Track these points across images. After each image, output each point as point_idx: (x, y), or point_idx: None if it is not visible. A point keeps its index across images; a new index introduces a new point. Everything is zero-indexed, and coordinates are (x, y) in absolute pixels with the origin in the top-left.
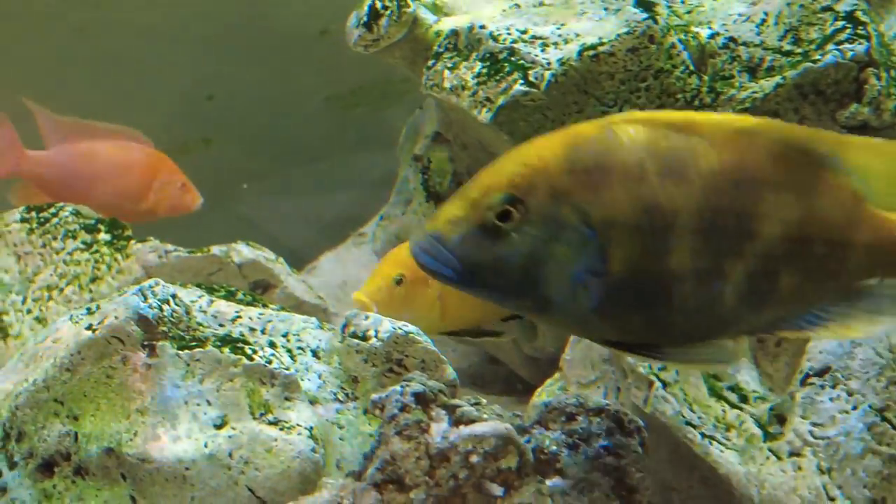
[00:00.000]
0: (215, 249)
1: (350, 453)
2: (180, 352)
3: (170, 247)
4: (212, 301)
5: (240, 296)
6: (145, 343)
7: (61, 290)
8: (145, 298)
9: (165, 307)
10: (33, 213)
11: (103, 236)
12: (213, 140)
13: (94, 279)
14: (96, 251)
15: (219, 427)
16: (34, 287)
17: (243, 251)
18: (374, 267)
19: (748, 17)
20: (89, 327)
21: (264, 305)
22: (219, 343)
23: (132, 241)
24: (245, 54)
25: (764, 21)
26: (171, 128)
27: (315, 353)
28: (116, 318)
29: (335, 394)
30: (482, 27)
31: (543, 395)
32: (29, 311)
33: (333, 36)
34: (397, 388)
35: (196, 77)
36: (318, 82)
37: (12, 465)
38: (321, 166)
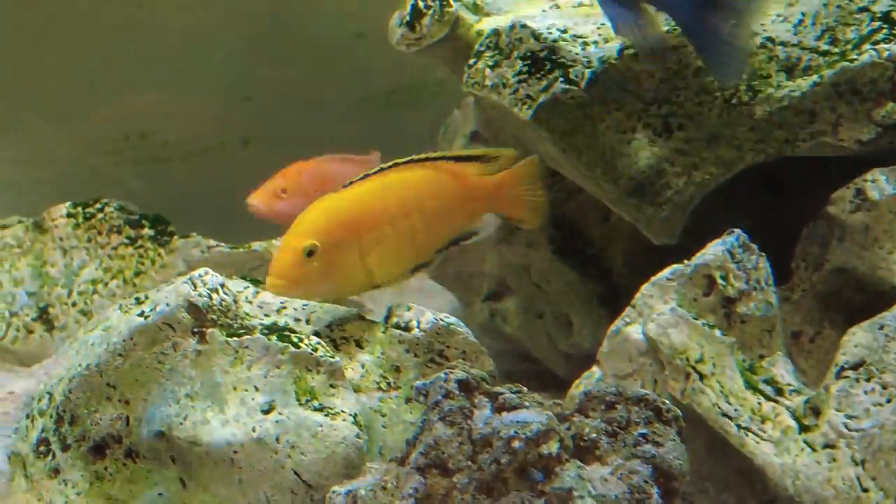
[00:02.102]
0: (256, 245)
1: (392, 440)
2: (229, 339)
3: (212, 242)
4: (257, 292)
5: None
6: (195, 330)
7: (106, 283)
8: (195, 287)
9: (215, 296)
10: (79, 209)
11: (147, 231)
12: (251, 140)
13: (137, 273)
14: (140, 246)
15: (266, 412)
16: (79, 281)
17: None
18: (281, 242)
19: (785, 17)
20: (141, 314)
21: None
22: (266, 331)
23: (175, 237)
24: (281, 56)
25: (801, 21)
26: (209, 128)
27: (358, 343)
28: (168, 305)
29: (377, 383)
30: (523, 26)
31: (581, 386)
32: (74, 305)
33: (368, 39)
34: (441, 375)
35: (233, 78)
36: (352, 84)
37: (65, 448)
38: None
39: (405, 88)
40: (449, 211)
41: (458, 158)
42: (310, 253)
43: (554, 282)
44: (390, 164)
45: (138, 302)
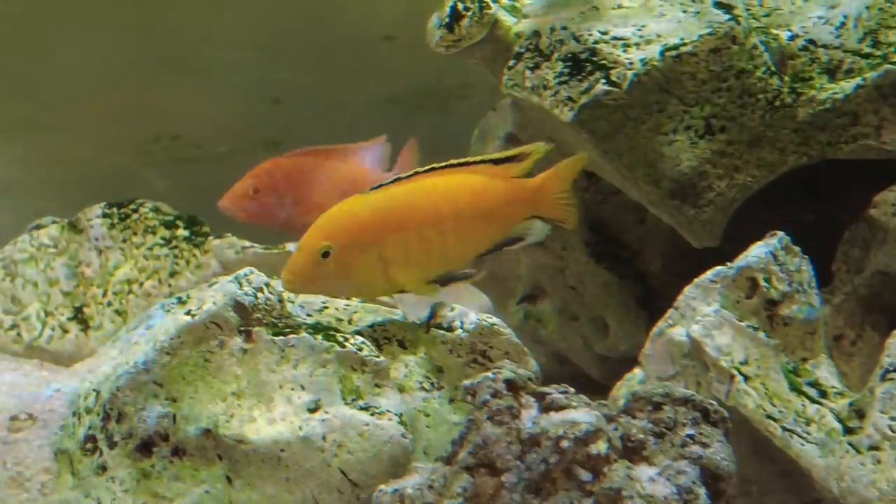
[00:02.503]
0: (290, 246)
1: (436, 440)
2: (275, 338)
3: (246, 243)
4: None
5: None
6: (241, 329)
7: (141, 283)
8: (241, 286)
9: (260, 295)
10: (114, 209)
11: (182, 232)
12: (280, 143)
13: (172, 273)
14: (175, 247)
15: (312, 411)
16: (114, 281)
17: None
18: (300, 240)
19: (827, 19)
20: (188, 313)
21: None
22: (311, 330)
23: (210, 238)
24: (310, 59)
25: (843, 24)
26: (238, 131)
27: (401, 344)
28: (215, 304)
29: (421, 383)
30: (564, 28)
31: (623, 388)
32: (109, 304)
33: (396, 41)
34: (489, 374)
35: (263, 81)
36: (379, 86)
37: (112, 445)
38: None
39: (432, 91)
40: (489, 217)
41: (496, 161)
42: (325, 254)
43: (590, 284)
44: (426, 168)
45: (180, 301)
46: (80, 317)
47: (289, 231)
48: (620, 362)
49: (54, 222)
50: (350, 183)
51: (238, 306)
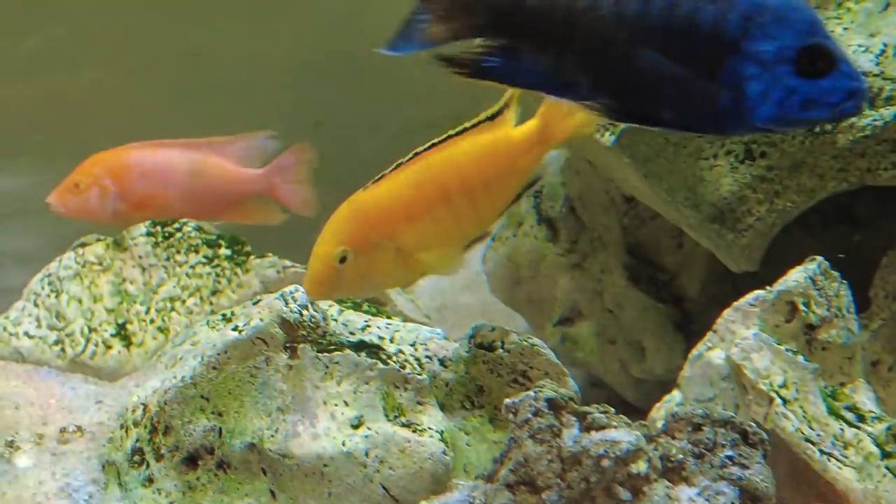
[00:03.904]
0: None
1: (476, 459)
2: (320, 354)
3: (287, 263)
4: (342, 310)
5: (365, 307)
6: (287, 345)
7: (183, 301)
8: (287, 303)
9: (305, 312)
10: (158, 228)
11: (224, 251)
12: (320, 165)
13: (214, 292)
14: (217, 265)
15: (355, 427)
16: (157, 298)
17: None
18: (314, 249)
19: (867, 48)
20: (235, 329)
21: (388, 317)
22: (355, 348)
23: (251, 257)
24: (351, 82)
25: (883, 52)
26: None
27: (442, 362)
28: (261, 320)
29: (461, 402)
30: None
31: (661, 410)
32: (152, 321)
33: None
34: (531, 393)
35: (304, 104)
36: (419, 110)
37: (159, 458)
38: None
39: (469, 116)
40: (500, 178)
41: (491, 117)
42: (342, 259)
43: (627, 308)
44: (426, 145)
45: (225, 318)
46: (123, 333)
47: (122, 224)
48: (656, 385)
49: (98, 240)
50: (193, 175)
51: (284, 323)
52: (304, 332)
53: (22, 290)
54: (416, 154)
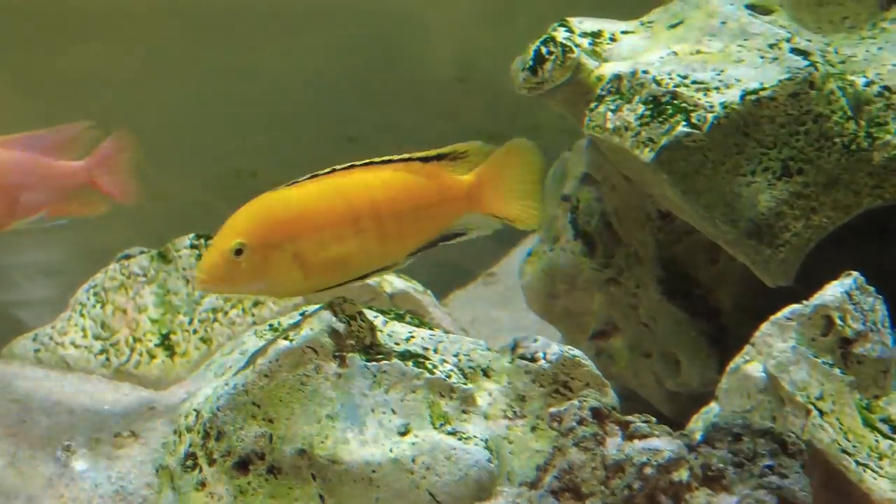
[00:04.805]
0: (370, 280)
1: (518, 467)
2: (368, 363)
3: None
4: (386, 321)
5: (408, 319)
6: (336, 354)
7: (226, 312)
8: (336, 314)
9: (353, 323)
10: (202, 240)
11: None
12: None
13: (256, 304)
14: None
15: (402, 434)
16: (200, 309)
17: (395, 282)
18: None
19: None
20: (286, 337)
21: (430, 328)
22: (401, 357)
23: None
24: (385, 99)
25: None
26: (314, 168)
27: (485, 373)
28: (312, 329)
29: (504, 411)
30: (645, 72)
31: (699, 421)
32: (195, 332)
33: (469, 83)
34: (575, 402)
35: (340, 120)
36: (453, 127)
37: (211, 462)
38: None
39: (502, 132)
40: (416, 214)
41: (424, 159)
42: (237, 252)
43: (662, 322)
44: (346, 164)
45: (273, 328)
46: (166, 343)
47: None
48: (690, 399)
49: (142, 252)
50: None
51: (333, 333)
52: (352, 342)
53: (48, 302)
54: (335, 170)
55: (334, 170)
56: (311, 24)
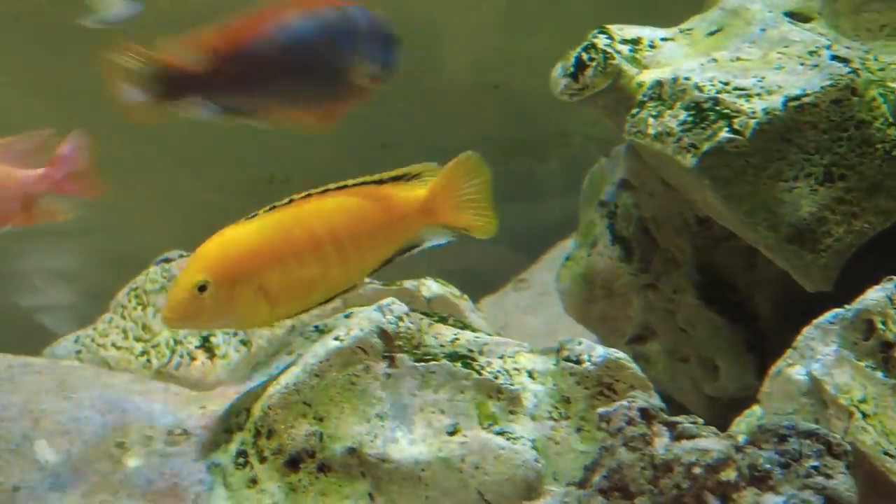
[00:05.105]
0: (407, 284)
1: (564, 468)
2: (417, 364)
3: (366, 279)
4: (431, 323)
5: (451, 322)
6: (385, 354)
7: None
8: (385, 314)
9: (401, 323)
10: None
11: None
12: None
13: None
14: None
15: (451, 434)
16: None
17: (432, 287)
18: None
19: None
20: (336, 338)
21: (474, 330)
22: (449, 358)
23: None
24: (418, 105)
25: None
26: (347, 174)
27: (530, 375)
28: (361, 330)
29: (549, 412)
30: (687, 78)
31: (742, 424)
32: (235, 334)
33: (502, 90)
34: (624, 402)
35: (373, 126)
36: (484, 133)
37: (262, 460)
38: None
39: (532, 139)
40: (372, 236)
41: (378, 182)
42: (201, 288)
43: (700, 327)
44: (303, 194)
45: (318, 330)
46: (206, 345)
47: None
48: (727, 404)
49: (181, 255)
50: None
51: (383, 333)
52: (400, 343)
53: (70, 307)
54: (292, 200)
55: (292, 199)
56: None
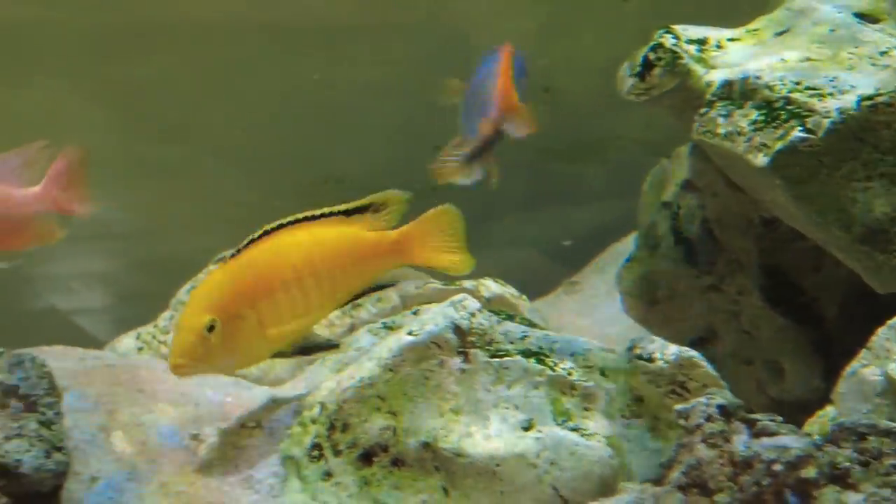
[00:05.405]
0: (467, 284)
1: (637, 466)
2: (491, 359)
3: (426, 279)
4: (500, 321)
5: (517, 320)
6: (459, 350)
7: None
8: (458, 310)
9: (474, 320)
10: None
11: None
12: (438, 187)
13: (354, 306)
14: None
15: (526, 429)
16: None
17: (491, 286)
18: (178, 321)
19: None
20: (410, 333)
21: (541, 328)
22: (523, 354)
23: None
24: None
25: None
26: (400, 175)
27: (602, 372)
28: (436, 325)
29: (621, 411)
30: (757, 78)
31: (815, 426)
32: None
33: (553, 93)
34: (702, 399)
35: (426, 128)
36: (536, 136)
37: (337, 453)
38: (531, 215)
39: (583, 143)
40: (345, 271)
41: (346, 213)
42: (210, 328)
43: (765, 329)
44: (275, 224)
45: (386, 326)
46: None
47: None
48: (793, 406)
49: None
50: None
51: (456, 329)
52: (473, 339)
53: (106, 310)
54: (266, 232)
55: (266, 231)
56: (393, 37)
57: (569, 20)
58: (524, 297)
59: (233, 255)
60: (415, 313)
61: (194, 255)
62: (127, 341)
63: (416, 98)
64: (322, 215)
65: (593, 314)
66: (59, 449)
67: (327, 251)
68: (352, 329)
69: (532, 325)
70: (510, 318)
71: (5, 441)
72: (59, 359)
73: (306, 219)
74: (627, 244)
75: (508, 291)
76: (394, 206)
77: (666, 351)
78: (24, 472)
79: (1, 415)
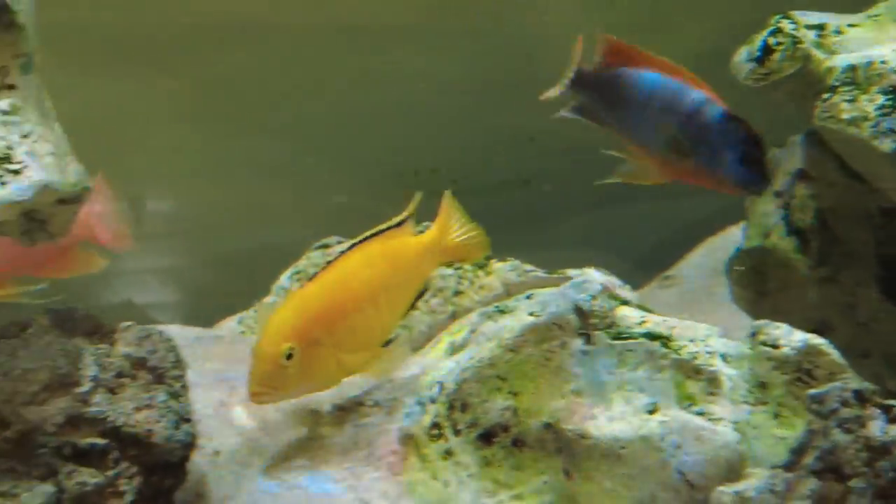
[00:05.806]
0: (571, 272)
1: (761, 453)
2: (614, 342)
3: (528, 267)
4: (616, 305)
5: (633, 305)
6: (581, 332)
7: (427, 301)
8: (579, 292)
9: (595, 302)
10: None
11: None
12: (531, 180)
13: (457, 293)
14: (459, 268)
15: (650, 412)
16: None
17: (595, 276)
18: (255, 350)
19: None
20: (532, 314)
21: (658, 314)
22: (646, 337)
23: (493, 260)
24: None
25: None
26: (494, 166)
27: (724, 358)
28: (558, 307)
29: (745, 397)
30: (883, 62)
31: None
32: None
33: None
34: (837, 384)
35: (519, 120)
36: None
37: (457, 433)
38: (626, 208)
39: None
40: (407, 280)
41: (379, 232)
42: (288, 356)
43: (883, 322)
44: (345, 246)
45: (499, 310)
46: None
47: None
48: None
49: (339, 241)
50: None
51: (578, 310)
52: (594, 321)
53: (181, 305)
54: (342, 252)
55: (341, 252)
56: (459, 29)
57: (641, 22)
58: (627, 286)
59: (310, 279)
60: (528, 297)
61: (292, 245)
62: (229, 325)
63: (513, 90)
64: (372, 235)
65: (689, 309)
66: (186, 420)
67: (388, 266)
68: (454, 316)
69: (648, 310)
70: (626, 302)
71: (136, 412)
72: (177, 336)
73: (361, 241)
74: (724, 239)
75: (612, 281)
76: (416, 213)
77: (792, 337)
78: (155, 442)
79: (131, 386)
